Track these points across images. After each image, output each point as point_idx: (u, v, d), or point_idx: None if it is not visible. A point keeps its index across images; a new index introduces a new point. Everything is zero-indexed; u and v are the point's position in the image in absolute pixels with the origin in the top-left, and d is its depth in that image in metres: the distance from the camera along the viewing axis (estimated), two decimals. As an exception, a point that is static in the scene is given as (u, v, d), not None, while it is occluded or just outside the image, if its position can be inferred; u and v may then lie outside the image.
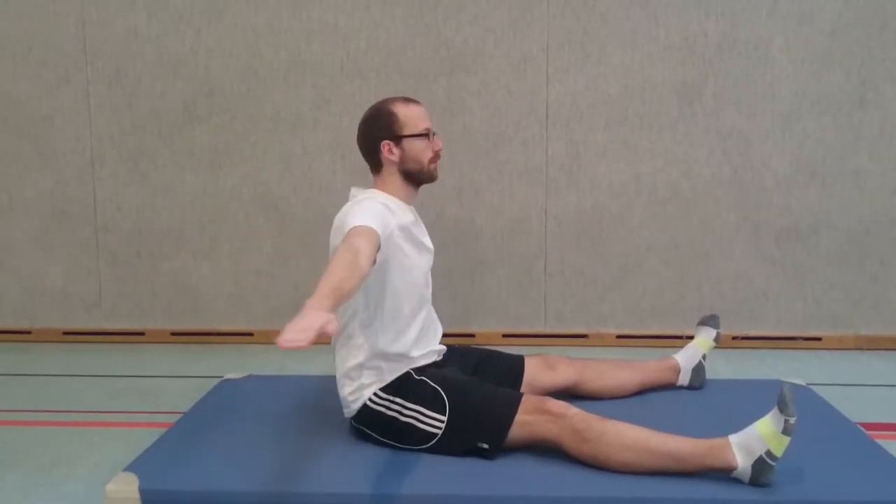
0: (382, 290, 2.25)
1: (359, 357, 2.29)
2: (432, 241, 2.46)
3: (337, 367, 2.36)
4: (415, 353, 2.34)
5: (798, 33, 3.82)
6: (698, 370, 2.79)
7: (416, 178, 2.36)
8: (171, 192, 4.07)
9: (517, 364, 2.60)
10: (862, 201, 3.90)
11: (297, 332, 1.56)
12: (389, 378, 2.29)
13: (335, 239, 2.17)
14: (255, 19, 3.95)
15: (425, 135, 2.33)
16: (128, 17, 3.97)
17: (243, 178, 4.05)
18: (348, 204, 2.25)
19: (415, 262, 2.33)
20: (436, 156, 2.36)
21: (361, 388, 2.30)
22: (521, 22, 3.89)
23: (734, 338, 3.92)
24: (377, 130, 2.32)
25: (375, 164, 2.36)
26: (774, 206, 3.93)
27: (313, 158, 4.01)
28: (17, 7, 4.00)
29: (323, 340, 1.63)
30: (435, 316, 2.50)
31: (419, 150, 2.33)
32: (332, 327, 1.61)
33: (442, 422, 2.23)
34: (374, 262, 2.09)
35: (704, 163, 3.92)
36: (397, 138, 2.31)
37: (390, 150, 2.31)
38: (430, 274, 2.44)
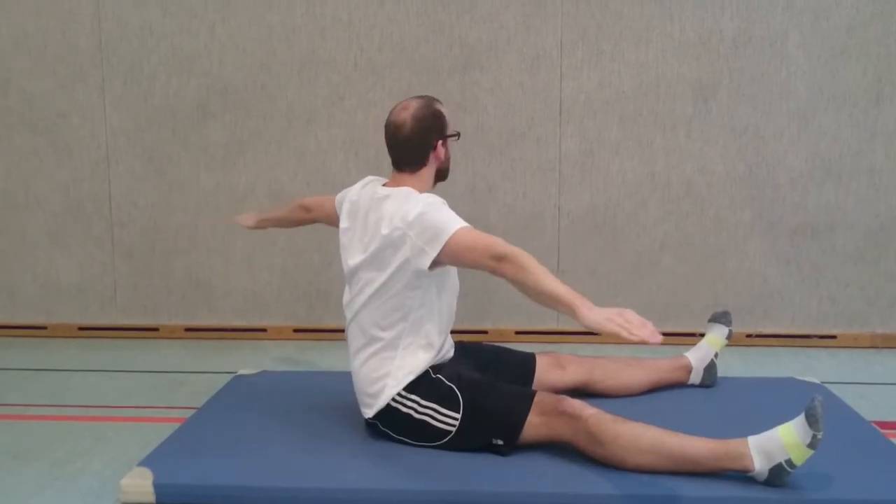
0: (440, 293, 2.30)
1: (394, 353, 2.29)
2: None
3: (359, 367, 2.35)
4: (439, 354, 2.36)
5: (814, 29, 3.79)
6: (710, 369, 2.78)
7: (443, 176, 2.44)
8: (185, 188, 4.09)
9: (528, 362, 2.60)
10: (878, 199, 3.87)
11: (638, 326, 1.89)
12: (410, 378, 2.29)
13: (420, 239, 2.18)
14: (269, 16, 3.96)
15: (457, 135, 2.43)
16: (142, 13, 3.99)
17: (257, 175, 4.06)
18: (422, 206, 2.21)
19: None
20: None
21: (385, 388, 2.30)
22: (534, 18, 3.88)
23: (748, 335, 3.91)
24: (434, 130, 2.34)
25: (419, 163, 2.35)
26: (789, 203, 3.90)
27: (327, 155, 4.02)
28: (32, 4, 4.02)
29: None
30: None
31: (451, 151, 2.43)
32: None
33: (456, 419, 2.23)
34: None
35: (719, 160, 3.90)
36: (445, 138, 2.37)
37: (439, 149, 2.36)
38: None
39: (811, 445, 1.95)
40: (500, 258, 2.07)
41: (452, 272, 2.38)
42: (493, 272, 2.09)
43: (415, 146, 2.34)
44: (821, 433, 1.94)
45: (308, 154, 4.03)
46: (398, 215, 2.19)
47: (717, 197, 3.92)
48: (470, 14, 3.89)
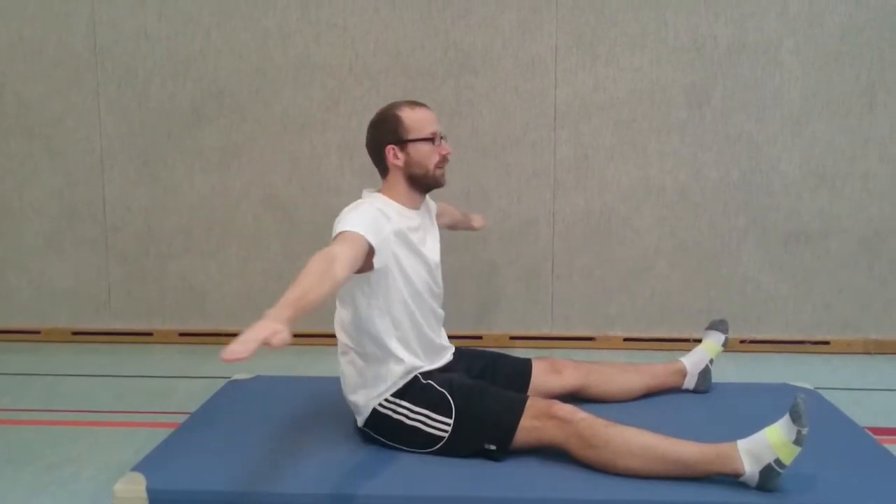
0: (386, 295, 2.24)
1: (366, 362, 2.29)
2: (442, 243, 2.45)
3: (343, 372, 2.36)
4: (421, 358, 2.34)
5: (808, 36, 3.81)
6: (705, 374, 2.78)
7: (421, 182, 2.33)
8: (179, 193, 4.09)
9: (524, 367, 2.60)
10: (871, 204, 3.89)
11: (241, 343, 1.57)
12: (402, 382, 2.28)
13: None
14: (265, 21, 3.96)
15: (430, 139, 2.30)
16: (138, 17, 3.99)
17: (252, 179, 4.06)
18: (346, 208, 2.22)
19: (413, 268, 2.29)
20: (442, 160, 2.33)
21: (368, 392, 2.30)
22: (529, 24, 3.89)
23: (742, 341, 3.91)
24: (383, 135, 2.31)
25: (382, 169, 2.35)
26: (783, 209, 3.92)
27: (322, 159, 4.02)
28: (28, 8, 4.02)
29: (272, 346, 1.62)
30: (441, 316, 2.48)
31: (424, 155, 2.30)
32: (278, 339, 1.61)
33: (448, 425, 2.23)
34: (366, 268, 2.11)
35: (713, 165, 3.91)
36: (402, 143, 2.29)
37: (395, 155, 2.29)
38: (434, 282, 2.39)
39: (797, 442, 1.96)
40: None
41: (408, 279, 2.27)
42: None
43: (372, 153, 2.34)
44: (805, 429, 1.95)
45: (303, 158, 4.03)
46: (336, 219, 2.18)
47: (711, 202, 3.93)
48: (465, 19, 3.90)
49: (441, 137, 2.33)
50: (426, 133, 2.30)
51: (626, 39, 3.87)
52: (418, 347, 2.32)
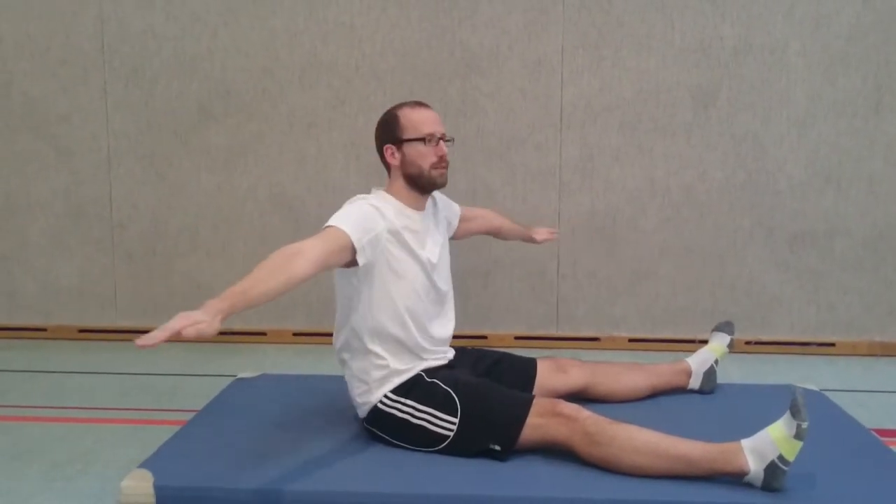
0: (381, 292, 2.25)
1: (364, 359, 2.30)
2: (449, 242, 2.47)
3: (345, 369, 2.37)
4: (422, 356, 2.34)
5: (814, 38, 3.81)
6: (709, 375, 2.78)
7: (417, 182, 2.32)
8: (186, 192, 4.10)
9: (529, 367, 2.60)
10: (877, 206, 3.88)
11: (157, 330, 1.64)
12: (399, 380, 2.29)
13: None
14: (272, 20, 3.97)
15: (424, 139, 2.29)
16: (145, 16, 4.00)
17: (258, 178, 4.07)
18: (346, 202, 2.26)
19: (407, 268, 2.28)
20: (439, 161, 2.31)
21: (370, 390, 2.30)
22: (536, 24, 3.89)
23: (747, 342, 3.91)
24: (384, 134, 2.35)
25: (385, 168, 2.39)
26: (788, 210, 3.91)
27: (328, 159, 4.03)
28: (35, 7, 4.03)
29: (182, 339, 1.71)
30: (451, 316, 2.48)
31: (418, 155, 2.30)
32: (193, 330, 1.68)
33: (454, 424, 2.23)
34: (351, 263, 2.13)
35: (719, 167, 3.91)
36: (399, 142, 2.31)
37: (392, 154, 2.32)
38: (433, 284, 2.37)
39: (798, 437, 1.97)
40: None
41: (401, 277, 2.27)
42: None
43: (378, 152, 2.38)
44: (805, 423, 1.96)
45: (309, 158, 4.04)
46: None
47: (716, 204, 3.93)
48: (472, 20, 3.90)
49: (441, 138, 2.32)
50: (421, 133, 2.30)
51: (633, 40, 3.87)
52: (401, 348, 2.31)
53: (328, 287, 4.03)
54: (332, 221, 2.11)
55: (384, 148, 2.34)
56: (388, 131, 2.33)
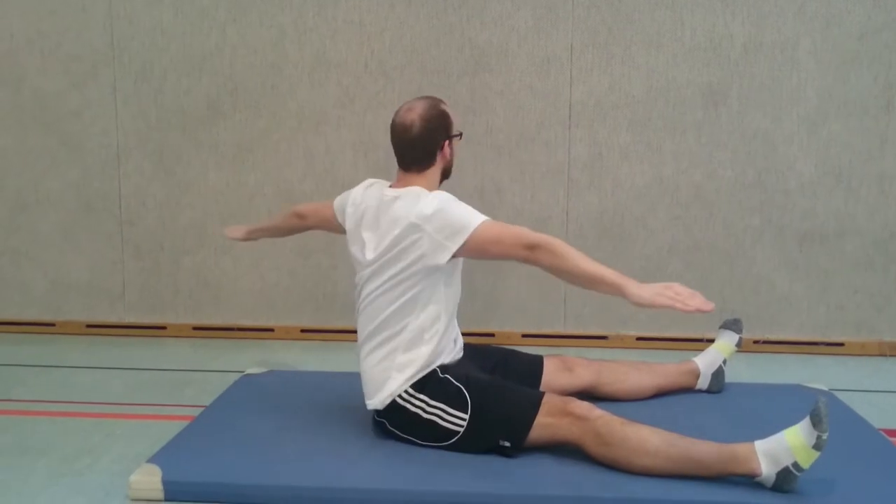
0: (453, 288, 2.34)
1: (414, 351, 2.30)
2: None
3: (364, 357, 2.37)
4: (445, 352, 2.36)
5: (825, 35, 3.79)
6: (718, 375, 2.78)
7: (447, 175, 2.45)
8: (194, 188, 4.10)
9: (536, 364, 2.60)
10: (888, 206, 3.86)
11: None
12: (418, 376, 2.30)
13: (440, 234, 2.20)
14: (280, 17, 3.97)
15: (460, 135, 2.46)
16: (154, 13, 4.01)
17: (266, 175, 4.07)
18: (437, 201, 2.25)
19: (458, 263, 2.42)
20: None
21: (388, 379, 2.31)
22: (545, 22, 3.88)
23: (756, 342, 3.90)
24: (441, 130, 2.38)
25: (427, 162, 2.38)
26: (798, 209, 3.90)
27: (336, 156, 4.03)
28: (46, 3, 4.04)
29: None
30: None
31: (454, 151, 2.45)
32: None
33: (464, 420, 2.24)
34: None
35: (728, 165, 3.90)
36: (451, 138, 2.40)
37: (446, 149, 2.39)
38: None
39: (816, 447, 1.95)
40: (533, 247, 2.10)
41: (458, 268, 2.40)
42: (526, 261, 2.13)
43: (423, 146, 2.37)
44: (825, 434, 1.94)
45: (317, 155, 4.04)
46: (413, 213, 2.21)
47: (725, 202, 3.92)
48: (480, 17, 3.90)
49: None
50: (458, 129, 2.45)
51: (642, 38, 3.86)
52: (447, 343, 2.40)
53: (335, 284, 4.06)
54: (478, 218, 2.21)
55: (442, 142, 2.37)
56: (446, 126, 2.40)
